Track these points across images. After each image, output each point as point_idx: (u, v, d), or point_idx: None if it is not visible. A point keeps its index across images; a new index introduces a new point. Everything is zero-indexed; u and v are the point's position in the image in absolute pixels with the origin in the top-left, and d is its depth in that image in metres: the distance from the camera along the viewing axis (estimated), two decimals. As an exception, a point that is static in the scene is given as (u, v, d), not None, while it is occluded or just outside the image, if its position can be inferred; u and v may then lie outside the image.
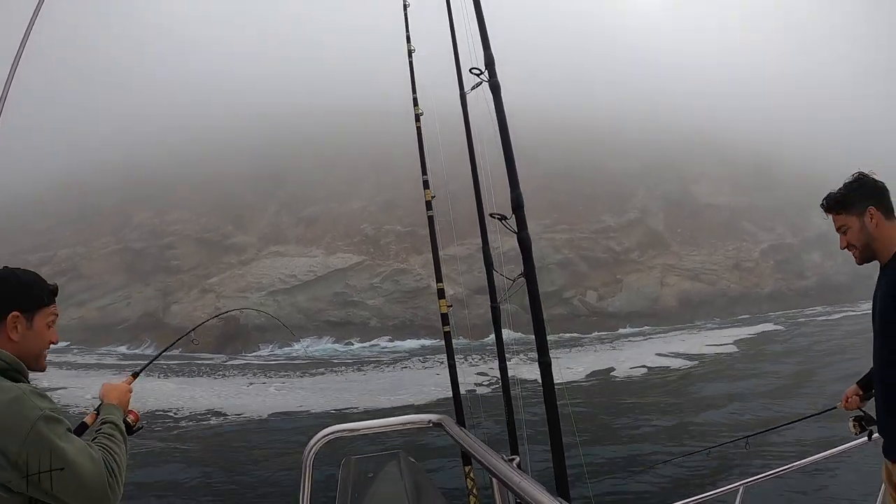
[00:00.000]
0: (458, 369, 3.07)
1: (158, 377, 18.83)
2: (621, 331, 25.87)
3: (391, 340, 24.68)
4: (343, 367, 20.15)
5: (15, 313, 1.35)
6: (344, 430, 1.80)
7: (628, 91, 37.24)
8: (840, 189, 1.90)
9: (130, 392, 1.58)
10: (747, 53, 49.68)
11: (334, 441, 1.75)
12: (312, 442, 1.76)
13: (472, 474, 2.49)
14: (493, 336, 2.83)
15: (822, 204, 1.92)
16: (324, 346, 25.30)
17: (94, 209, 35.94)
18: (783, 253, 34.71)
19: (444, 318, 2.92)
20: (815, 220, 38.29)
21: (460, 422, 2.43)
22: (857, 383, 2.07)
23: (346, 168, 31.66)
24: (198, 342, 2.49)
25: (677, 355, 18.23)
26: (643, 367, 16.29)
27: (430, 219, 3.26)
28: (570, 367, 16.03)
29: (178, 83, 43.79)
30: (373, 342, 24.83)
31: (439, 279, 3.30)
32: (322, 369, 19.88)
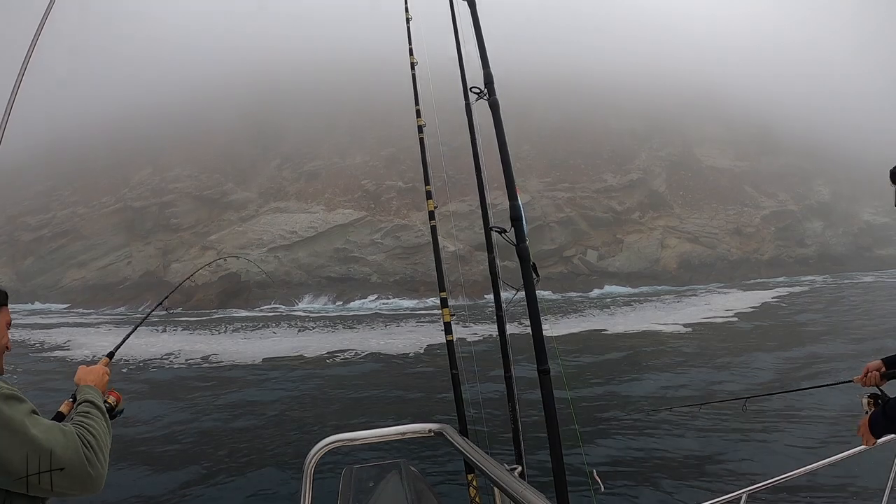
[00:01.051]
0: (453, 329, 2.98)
1: (159, 332, 18.92)
2: (609, 289, 25.65)
3: (389, 298, 24.65)
4: (339, 324, 20.17)
5: None
6: (344, 441, 1.80)
7: (634, 51, 36.66)
8: None
9: (108, 374, 1.51)
10: (754, 20, 48.75)
11: (335, 449, 1.76)
12: (313, 452, 1.75)
13: (474, 483, 2.44)
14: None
15: (892, 172, 1.77)
16: (322, 305, 25.17)
17: (93, 168, 35.68)
18: (784, 220, 34.63)
19: (448, 328, 2.86)
20: (817, 188, 38.16)
21: (463, 431, 2.37)
22: (883, 359, 1.94)
23: (347, 123, 31.29)
24: (167, 308, 2.38)
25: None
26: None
27: (433, 228, 3.19)
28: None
29: (177, 40, 43.04)
30: (371, 300, 24.72)
31: (442, 288, 3.18)
32: (314, 323, 19.92)
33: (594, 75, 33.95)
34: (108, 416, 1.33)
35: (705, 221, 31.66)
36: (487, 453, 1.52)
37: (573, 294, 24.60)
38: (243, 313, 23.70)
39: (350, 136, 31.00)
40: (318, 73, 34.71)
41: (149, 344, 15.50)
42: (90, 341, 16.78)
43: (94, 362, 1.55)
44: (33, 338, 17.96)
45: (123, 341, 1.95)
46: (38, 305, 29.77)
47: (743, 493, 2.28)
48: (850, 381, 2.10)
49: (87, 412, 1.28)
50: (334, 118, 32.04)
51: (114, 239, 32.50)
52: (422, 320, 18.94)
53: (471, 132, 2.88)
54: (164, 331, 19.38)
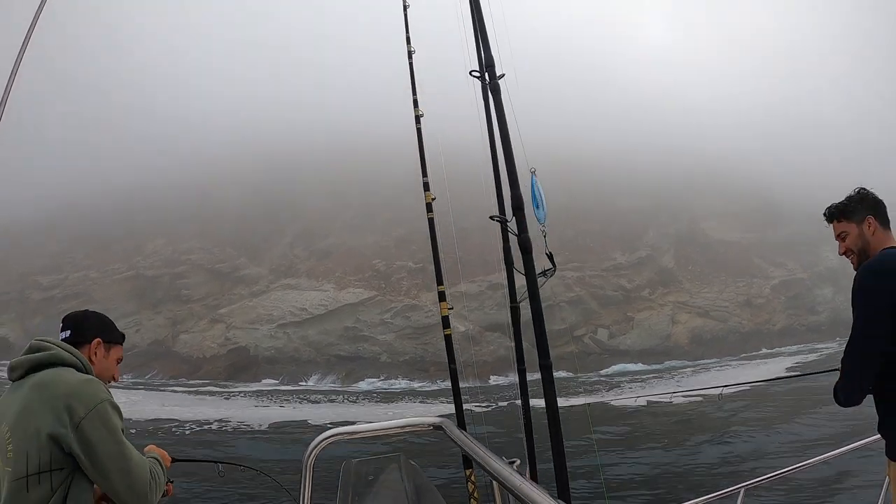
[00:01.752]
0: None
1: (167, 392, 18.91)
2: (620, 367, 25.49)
3: (398, 378, 24.42)
4: (343, 398, 20.21)
5: (98, 340, 1.66)
6: (344, 434, 1.79)
7: (637, 130, 37.65)
8: (843, 200, 2.04)
9: (170, 463, 1.79)
10: (756, 94, 50.29)
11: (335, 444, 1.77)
12: (312, 445, 1.75)
13: (473, 477, 2.46)
14: (495, 378, 2.79)
15: (825, 213, 2.05)
16: (328, 385, 24.85)
17: (108, 234, 36.28)
18: (794, 288, 34.51)
19: (445, 321, 2.90)
20: (825, 254, 38.13)
21: (461, 425, 2.37)
22: None
23: (359, 203, 31.92)
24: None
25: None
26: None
27: (431, 221, 3.24)
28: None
29: (196, 114, 44.63)
30: (381, 379, 24.50)
31: (440, 281, 3.14)
32: (322, 396, 19.96)
33: (598, 155, 34.80)
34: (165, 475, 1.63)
35: (715, 295, 31.59)
36: (486, 447, 1.47)
37: (589, 374, 24.40)
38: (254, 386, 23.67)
39: (362, 215, 31.58)
40: (332, 152, 35.74)
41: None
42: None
43: None
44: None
45: (186, 461, 2.07)
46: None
47: (741, 487, 2.25)
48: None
49: (156, 460, 1.62)
50: (347, 197, 32.74)
51: (124, 306, 32.64)
52: (428, 399, 18.85)
53: (487, 117, 2.77)
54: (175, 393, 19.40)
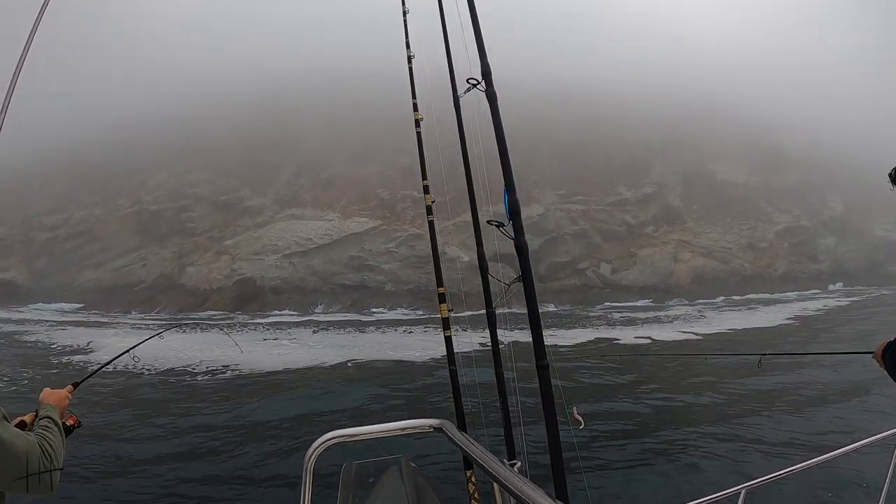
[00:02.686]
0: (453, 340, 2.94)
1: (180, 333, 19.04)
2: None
3: (402, 308, 24.62)
4: (352, 328, 20.35)
5: None
6: (344, 436, 1.80)
7: (646, 61, 36.72)
8: None
9: (69, 399, 1.72)
10: (770, 37, 48.78)
11: (335, 446, 1.78)
12: (312, 447, 1.75)
13: (473, 479, 2.48)
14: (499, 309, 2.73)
15: (891, 174, 1.80)
16: (336, 316, 24.92)
17: (110, 171, 36.04)
18: (798, 235, 34.51)
19: (445, 323, 2.90)
20: (830, 203, 38.01)
21: (461, 427, 2.39)
22: None
23: (363, 131, 31.45)
24: (138, 359, 2.48)
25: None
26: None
27: (431, 223, 3.23)
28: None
29: (198, 46, 43.49)
30: (386, 310, 24.54)
31: (440, 283, 3.13)
32: (330, 328, 20.08)
33: (606, 86, 34.04)
34: (64, 433, 1.55)
35: (719, 236, 31.60)
36: (486, 448, 1.51)
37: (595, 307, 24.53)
38: (260, 320, 23.82)
39: (366, 144, 31.20)
40: (335, 80, 34.96)
41: (171, 349, 15.65)
42: (111, 342, 16.94)
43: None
44: (55, 338, 18.16)
45: (91, 375, 2.09)
46: (53, 305, 29.96)
47: (742, 488, 2.26)
48: (870, 353, 2.10)
49: (48, 427, 1.48)
50: (351, 125, 32.24)
51: (129, 241, 32.76)
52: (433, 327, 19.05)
53: (459, 123, 2.86)
54: (185, 332, 19.58)
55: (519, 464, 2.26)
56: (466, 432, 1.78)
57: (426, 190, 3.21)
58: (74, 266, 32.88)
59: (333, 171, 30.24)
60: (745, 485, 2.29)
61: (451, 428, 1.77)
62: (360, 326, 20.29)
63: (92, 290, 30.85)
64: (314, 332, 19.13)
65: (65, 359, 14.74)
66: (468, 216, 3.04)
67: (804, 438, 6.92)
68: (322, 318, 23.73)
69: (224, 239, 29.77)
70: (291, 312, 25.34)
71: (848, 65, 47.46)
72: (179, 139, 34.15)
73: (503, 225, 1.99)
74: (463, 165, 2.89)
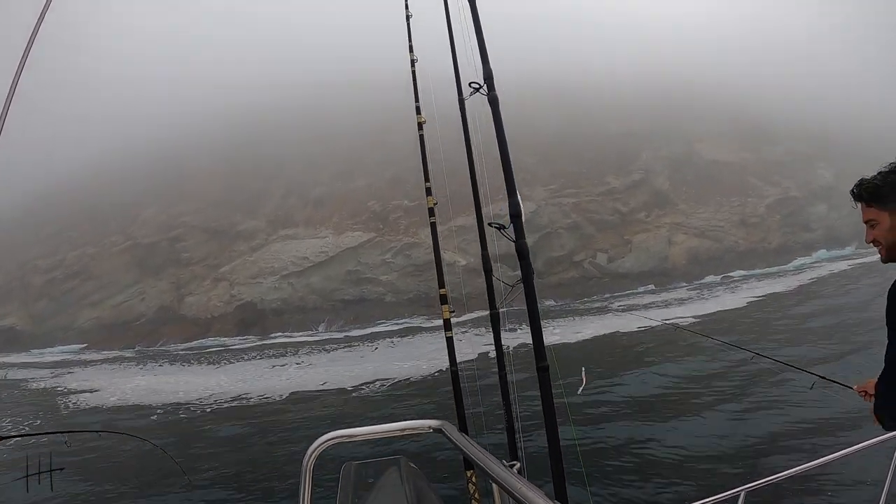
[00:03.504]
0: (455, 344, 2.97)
1: (184, 365, 19.01)
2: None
3: (404, 318, 24.53)
4: (358, 343, 20.31)
5: None
6: (344, 437, 1.77)
7: (627, 51, 36.93)
8: (875, 178, 1.64)
9: None
10: (748, 8, 49.07)
11: (335, 447, 1.78)
12: (312, 448, 1.73)
13: (473, 479, 2.48)
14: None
15: (853, 191, 1.69)
16: (339, 334, 24.78)
17: (100, 209, 36.05)
18: (789, 206, 34.72)
19: (447, 324, 2.92)
20: (820, 171, 38.24)
21: (462, 428, 2.42)
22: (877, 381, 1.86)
23: (346, 147, 31.56)
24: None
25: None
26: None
27: (433, 225, 3.25)
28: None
29: (173, 78, 43.51)
30: (388, 323, 24.43)
31: (441, 285, 3.15)
32: (336, 346, 20.02)
33: (589, 78, 34.22)
34: None
35: (710, 215, 31.80)
36: (486, 449, 1.50)
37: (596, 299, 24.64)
38: (266, 341, 23.77)
39: (351, 160, 31.30)
40: (311, 99, 35.05)
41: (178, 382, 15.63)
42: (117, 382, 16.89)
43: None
44: (61, 383, 18.11)
45: (25, 436, 2.04)
46: (56, 348, 29.87)
47: (742, 489, 2.24)
48: (850, 389, 2.06)
49: None
50: (333, 143, 32.35)
51: (126, 277, 32.74)
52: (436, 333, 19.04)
53: (464, 126, 2.89)
54: (191, 364, 19.58)
55: (518, 465, 2.26)
56: (467, 433, 1.79)
57: (428, 192, 3.22)
58: (73, 306, 32.83)
59: (322, 188, 30.34)
60: (745, 486, 2.27)
61: (451, 429, 1.75)
62: (367, 340, 20.30)
63: (93, 329, 30.81)
64: (317, 353, 19.04)
65: (72, 402, 14.73)
66: (462, 220, 3.11)
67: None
68: (326, 335, 23.75)
69: (220, 266, 29.80)
70: (294, 333, 25.33)
71: (825, 41, 47.81)
72: (165, 172, 34.21)
73: (504, 227, 2.01)
74: (460, 168, 2.94)
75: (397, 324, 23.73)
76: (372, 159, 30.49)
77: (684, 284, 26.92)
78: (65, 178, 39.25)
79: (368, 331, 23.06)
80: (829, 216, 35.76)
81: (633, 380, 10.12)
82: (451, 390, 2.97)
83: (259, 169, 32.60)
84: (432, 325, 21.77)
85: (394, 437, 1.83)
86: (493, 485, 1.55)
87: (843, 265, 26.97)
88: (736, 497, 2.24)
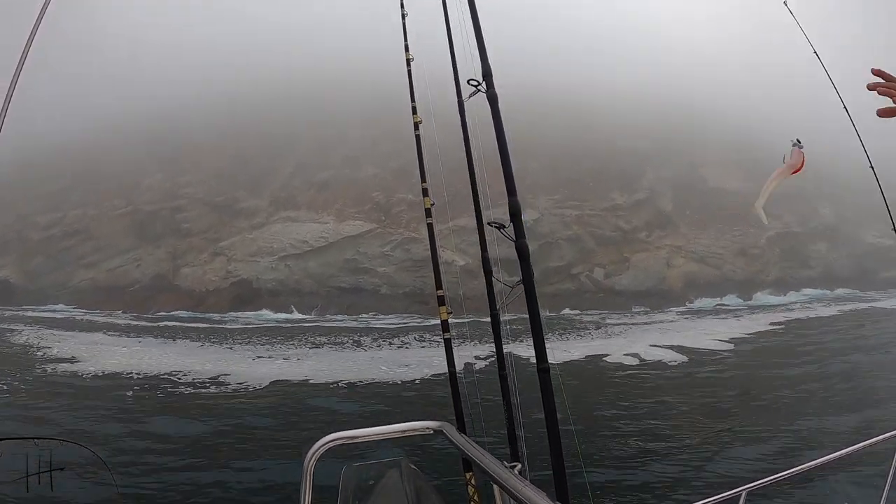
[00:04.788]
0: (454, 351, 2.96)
1: (172, 340, 18.93)
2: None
3: (397, 314, 24.43)
4: (346, 339, 19.86)
5: None
6: (344, 438, 1.77)
7: (642, 72, 37.07)
8: None
9: None
10: (761, 43, 49.27)
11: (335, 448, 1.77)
12: (313, 449, 1.72)
13: (473, 481, 2.47)
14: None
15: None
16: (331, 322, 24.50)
17: (105, 171, 35.94)
18: (789, 241, 34.90)
19: (445, 325, 2.91)
20: (821, 210, 38.48)
21: (461, 429, 2.42)
22: None
23: (358, 135, 31.56)
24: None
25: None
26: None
27: (430, 226, 3.23)
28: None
29: (193, 47, 43.42)
30: (383, 318, 24.08)
31: (439, 286, 3.15)
32: (325, 337, 19.74)
33: (598, 92, 34.31)
34: None
35: (711, 241, 31.96)
36: (486, 450, 1.49)
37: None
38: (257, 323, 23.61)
39: (361, 147, 31.32)
40: (330, 83, 35.01)
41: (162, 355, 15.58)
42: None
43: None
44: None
45: None
46: (48, 307, 29.75)
47: (743, 490, 2.25)
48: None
49: None
50: (345, 128, 32.34)
51: (124, 241, 32.69)
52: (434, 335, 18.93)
53: (463, 126, 2.87)
54: (177, 339, 19.52)
55: (519, 466, 2.27)
56: (466, 434, 1.80)
57: (425, 193, 3.22)
58: (69, 266, 32.75)
59: (328, 173, 30.35)
60: (747, 486, 2.29)
61: (451, 430, 1.75)
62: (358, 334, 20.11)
63: (87, 290, 30.74)
64: (302, 345, 18.60)
65: (50, 367, 14.61)
66: (462, 221, 3.13)
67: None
68: (318, 324, 23.51)
69: (219, 240, 29.79)
70: (285, 313, 25.32)
71: (840, 71, 47.92)
72: (173, 140, 34.12)
73: (504, 227, 2.00)
74: (459, 168, 2.94)
75: (391, 324, 23.15)
76: (382, 149, 30.49)
77: (672, 309, 26.93)
78: (70, 136, 39.09)
79: (362, 325, 22.79)
80: (828, 255, 35.96)
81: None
82: (446, 395, 2.97)
83: (267, 146, 32.56)
84: (428, 324, 21.45)
85: (394, 438, 1.85)
86: (494, 486, 1.55)
87: (833, 311, 26.62)
88: (737, 497, 2.27)
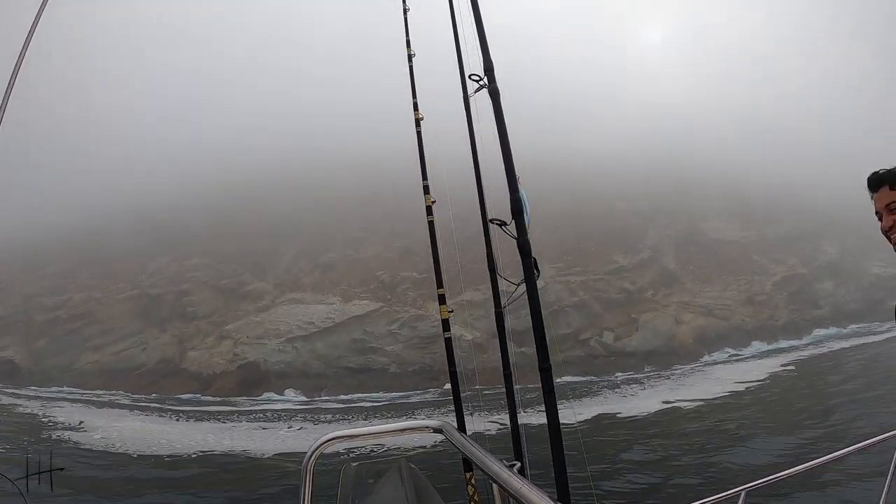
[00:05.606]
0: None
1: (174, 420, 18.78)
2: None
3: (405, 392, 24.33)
4: (355, 416, 20.11)
5: None
6: (344, 436, 1.74)
7: (633, 133, 38.00)
8: None
9: None
10: (751, 90, 50.78)
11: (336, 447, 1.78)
12: (312, 448, 1.70)
13: (473, 480, 2.46)
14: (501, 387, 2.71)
15: (875, 175, 1.66)
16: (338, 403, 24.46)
17: (111, 254, 36.37)
18: (795, 283, 34.77)
19: (445, 324, 2.98)
20: (825, 247, 38.54)
21: (461, 428, 2.38)
22: None
23: (359, 216, 32.14)
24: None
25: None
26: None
27: (430, 224, 3.27)
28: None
29: (199, 133, 44.78)
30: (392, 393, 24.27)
31: (440, 284, 3.18)
32: (331, 416, 19.85)
33: (595, 158, 35.07)
34: None
35: (717, 294, 31.85)
36: (486, 450, 1.47)
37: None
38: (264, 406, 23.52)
39: (363, 228, 31.78)
40: (330, 167, 35.94)
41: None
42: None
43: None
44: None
45: None
46: (53, 389, 29.46)
47: (742, 489, 2.23)
48: None
49: None
50: (347, 211, 32.94)
51: (130, 325, 32.69)
52: (441, 409, 18.85)
53: (469, 122, 2.81)
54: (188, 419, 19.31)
55: (519, 465, 2.22)
56: (466, 434, 1.75)
57: (426, 190, 3.20)
58: (74, 348, 32.65)
59: (331, 255, 30.67)
60: (746, 486, 2.25)
61: (450, 429, 1.71)
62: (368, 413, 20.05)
63: (91, 373, 30.50)
64: (311, 421, 18.80)
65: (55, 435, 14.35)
66: (470, 295, 3.06)
67: None
68: (325, 405, 23.45)
69: (225, 323, 29.78)
70: (294, 397, 25.03)
71: (827, 108, 49.18)
72: (178, 224, 34.69)
73: (505, 224, 1.98)
74: (456, 168, 2.87)
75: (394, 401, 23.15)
76: (384, 229, 30.95)
77: (679, 368, 26.55)
78: (77, 219, 39.81)
79: (369, 404, 22.80)
80: (836, 293, 35.74)
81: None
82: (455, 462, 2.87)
83: (269, 230, 33.10)
84: (433, 399, 21.44)
85: (394, 436, 1.85)
86: (494, 485, 1.52)
87: (844, 343, 26.87)
88: (736, 497, 2.22)
